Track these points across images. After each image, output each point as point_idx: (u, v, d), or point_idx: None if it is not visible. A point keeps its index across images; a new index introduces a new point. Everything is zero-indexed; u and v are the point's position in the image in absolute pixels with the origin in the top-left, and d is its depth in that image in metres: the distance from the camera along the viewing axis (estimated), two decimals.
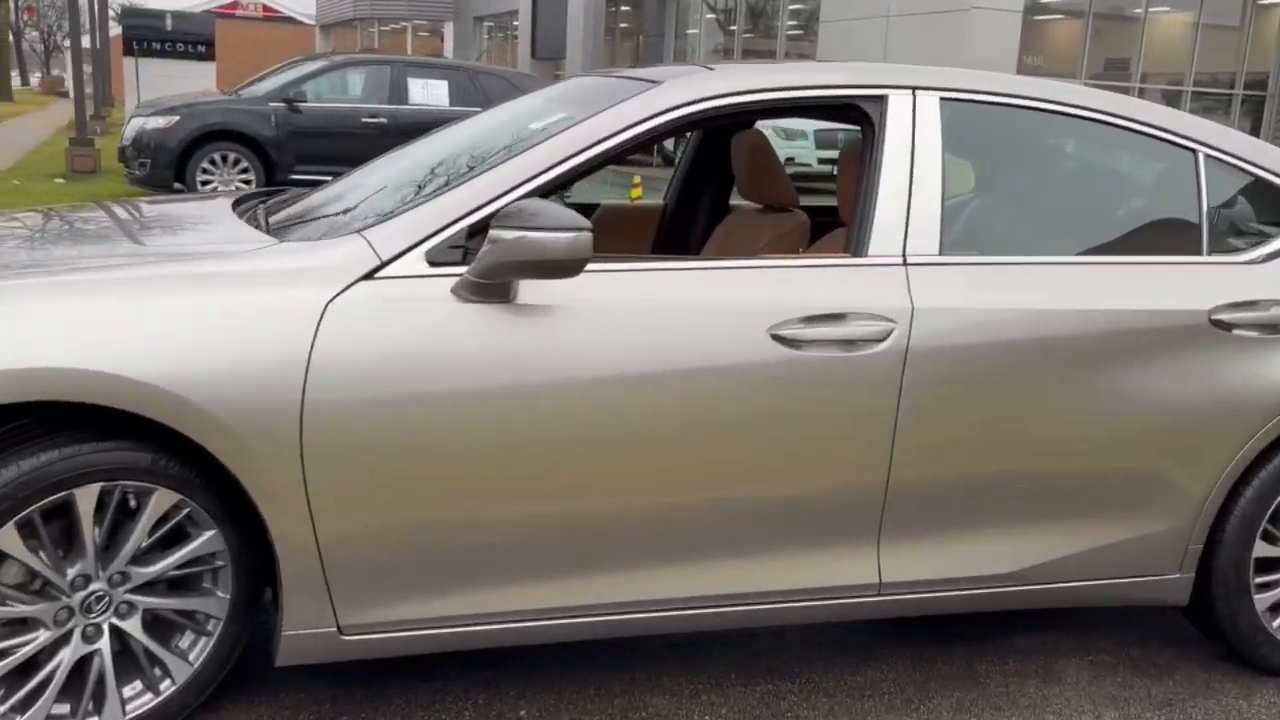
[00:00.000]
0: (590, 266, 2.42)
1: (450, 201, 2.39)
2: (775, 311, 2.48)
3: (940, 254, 2.65)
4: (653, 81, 2.65)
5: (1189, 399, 2.76)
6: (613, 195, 12.97)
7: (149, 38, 26.22)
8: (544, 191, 2.43)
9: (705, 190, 4.04)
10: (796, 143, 16.90)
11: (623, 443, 2.41)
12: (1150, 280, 2.77)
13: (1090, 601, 2.89)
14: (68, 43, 35.43)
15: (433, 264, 2.35)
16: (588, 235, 2.23)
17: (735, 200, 3.98)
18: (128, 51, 26.21)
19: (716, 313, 2.44)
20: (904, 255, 2.62)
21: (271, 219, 2.79)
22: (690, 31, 26.37)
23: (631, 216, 4.04)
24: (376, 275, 2.31)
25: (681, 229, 4.05)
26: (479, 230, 2.37)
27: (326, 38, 43.47)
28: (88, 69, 27.40)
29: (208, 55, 27.50)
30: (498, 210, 2.33)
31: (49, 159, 16.19)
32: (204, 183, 11.08)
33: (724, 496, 2.51)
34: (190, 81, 20.83)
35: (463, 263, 2.35)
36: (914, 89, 2.73)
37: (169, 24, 26.63)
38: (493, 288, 2.31)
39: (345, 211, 2.65)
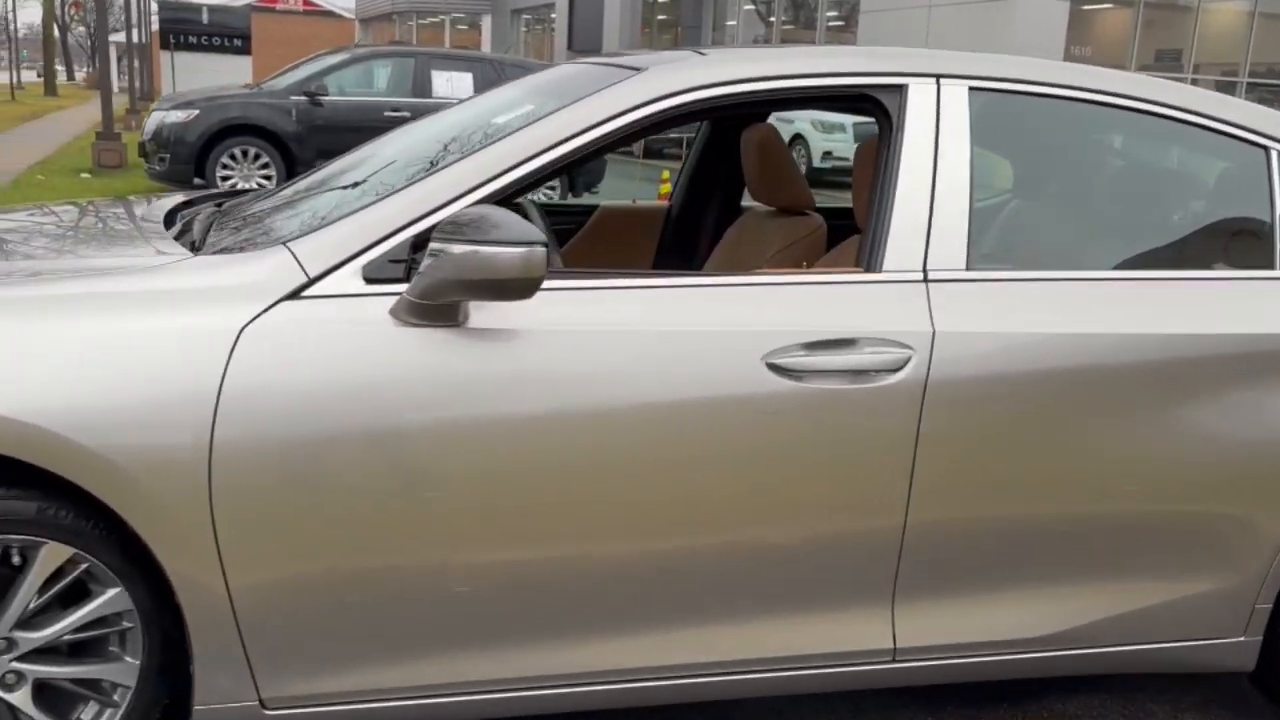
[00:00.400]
0: (557, 284, 2.09)
1: (390, 210, 2.06)
2: (772, 336, 2.13)
3: (967, 268, 2.28)
4: (635, 69, 2.31)
5: (1258, 437, 2.37)
6: (640, 191, 12.64)
7: (186, 31, 26.28)
8: (498, 198, 2.09)
9: (714, 190, 3.69)
10: (834, 136, 16.42)
11: (593, 488, 2.08)
12: (1214, 299, 2.38)
13: (1140, 668, 2.51)
14: (114, 36, 35.71)
15: (370, 281, 2.02)
16: (541, 251, 1.90)
17: (748, 201, 3.63)
18: (164, 45, 26.28)
19: (703, 338, 2.10)
20: (925, 270, 2.26)
21: (215, 226, 2.48)
22: (729, 23, 25.96)
23: (633, 218, 3.70)
24: (303, 294, 1.99)
25: (687, 233, 3.70)
26: (425, 242, 2.04)
27: (366, 31, 43.49)
28: (121, 64, 27.44)
29: (244, 49, 27.53)
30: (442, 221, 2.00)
31: (81, 153, 16.10)
32: (224, 178, 10.87)
33: (713, 551, 2.17)
34: (227, 76, 20.75)
35: (405, 279, 2.03)
36: (938, 77, 2.36)
37: (205, 17, 26.67)
38: (437, 309, 1.99)
39: (277, 218, 2.32)
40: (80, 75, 69.31)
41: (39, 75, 60.51)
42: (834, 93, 2.34)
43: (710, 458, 2.11)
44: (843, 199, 3.39)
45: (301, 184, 2.71)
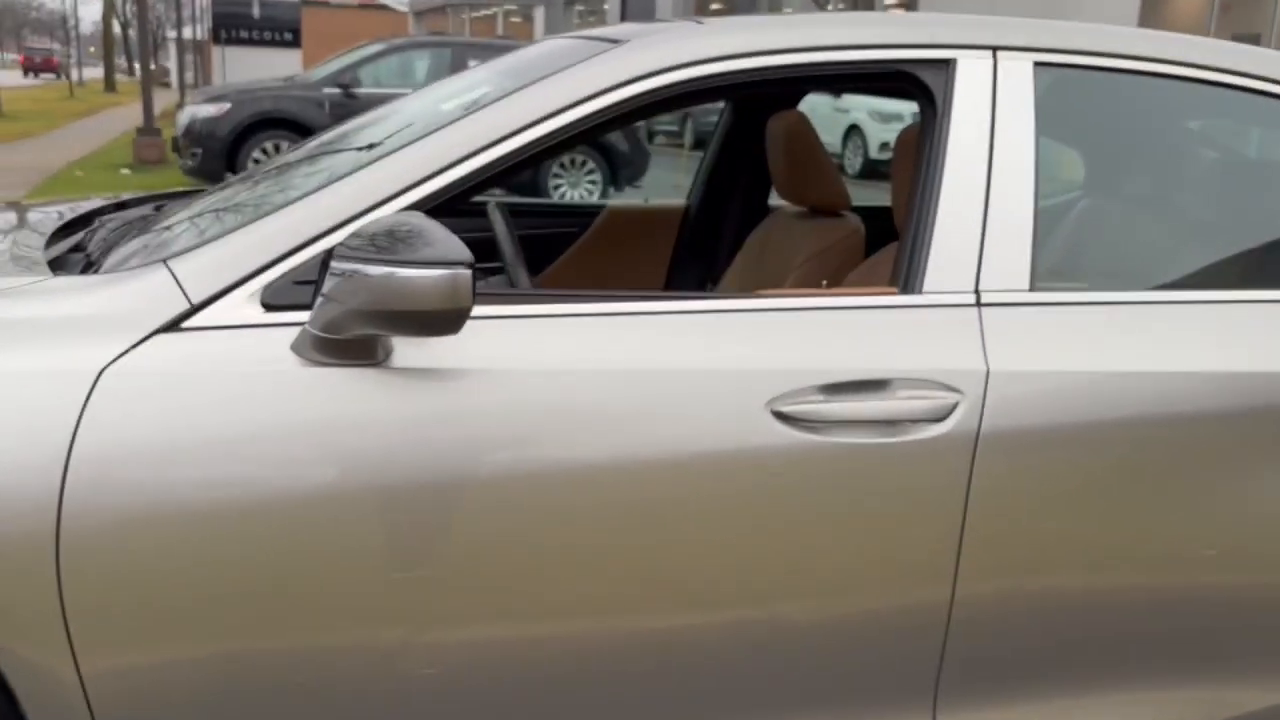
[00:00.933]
0: (510, 309, 1.66)
1: (295, 219, 1.64)
2: (780, 377, 1.69)
3: (1031, 289, 1.81)
4: (616, 42, 1.87)
5: None
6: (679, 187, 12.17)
7: (237, 26, 26.40)
8: (426, 206, 1.66)
9: (737, 187, 3.24)
10: (892, 126, 15.79)
11: (550, 566, 1.65)
12: None
13: None
14: (174, 33, 35.90)
15: (270, 308, 1.61)
16: (467, 275, 1.47)
17: (776, 200, 3.18)
18: (215, 39, 26.37)
19: (689, 379, 1.66)
20: (977, 290, 1.79)
21: (127, 238, 2.08)
22: (786, 10, 25.39)
23: (645, 220, 3.25)
24: (184, 325, 1.58)
25: (706, 236, 3.25)
26: None
27: (419, 24, 43.42)
28: (184, 59, 27.63)
29: (295, 43, 27.57)
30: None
31: (125, 149, 16.06)
32: None
33: (704, 639, 1.73)
34: (278, 70, 20.72)
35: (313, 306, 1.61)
36: (994, 49, 1.89)
37: (256, 12, 26.74)
38: (349, 345, 1.57)
39: (185, 227, 1.91)
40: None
41: None
42: (861, 70, 1.88)
43: (699, 530, 1.67)
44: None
45: (246, 180, 2.31)
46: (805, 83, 2.04)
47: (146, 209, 2.44)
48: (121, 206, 2.50)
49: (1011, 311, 1.79)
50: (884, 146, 15.70)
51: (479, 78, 2.15)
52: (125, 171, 13.10)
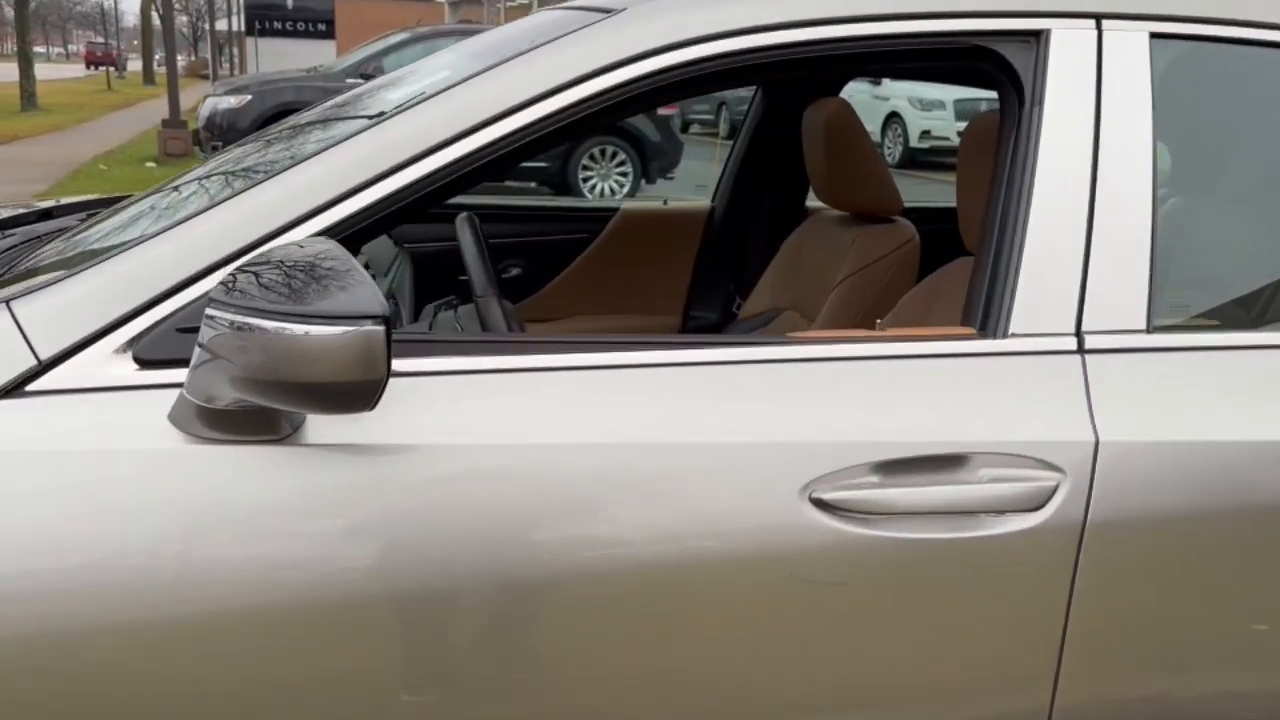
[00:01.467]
0: (464, 363, 1.26)
1: (179, 245, 1.25)
2: (819, 452, 1.27)
3: (1149, 330, 1.39)
4: (606, 12, 1.45)
5: None
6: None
7: (271, 17, 26.35)
8: (349, 228, 1.26)
9: (769, 186, 2.82)
10: (934, 114, 15.18)
11: (521, 684, 1.26)
12: None
13: None
14: (216, 26, 35.91)
15: (145, 364, 1.22)
16: (381, 334, 1.07)
17: (814, 202, 2.76)
18: (249, 31, 26.34)
19: (697, 455, 1.25)
20: (1079, 333, 1.37)
21: (23, 260, 1.70)
22: None
23: (664, 224, 2.85)
24: (29, 389, 1.20)
25: (733, 243, 2.83)
26: None
27: (455, 15, 43.20)
28: (223, 52, 27.52)
29: (329, 34, 27.46)
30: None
31: (154, 141, 15.87)
32: None
33: None
34: (312, 61, 20.57)
35: None
36: (1098, 17, 1.46)
37: (290, 3, 26.68)
38: (243, 415, 1.18)
39: (43, 255, 1.52)
40: (181, 64, 70.74)
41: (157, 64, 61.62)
42: (924, 46, 1.45)
43: (714, 649, 1.27)
44: (941, 182, 2.49)
45: (174, 184, 1.92)
46: (851, 63, 1.62)
47: (73, 219, 2.06)
48: (46, 216, 2.13)
49: (1125, 360, 1.36)
50: (924, 135, 15.13)
51: (442, 61, 1.74)
52: (150, 165, 12.88)
